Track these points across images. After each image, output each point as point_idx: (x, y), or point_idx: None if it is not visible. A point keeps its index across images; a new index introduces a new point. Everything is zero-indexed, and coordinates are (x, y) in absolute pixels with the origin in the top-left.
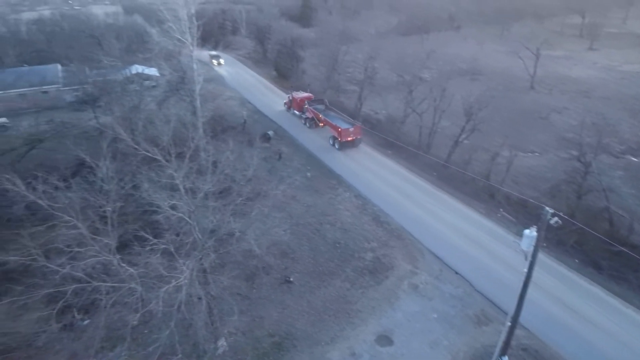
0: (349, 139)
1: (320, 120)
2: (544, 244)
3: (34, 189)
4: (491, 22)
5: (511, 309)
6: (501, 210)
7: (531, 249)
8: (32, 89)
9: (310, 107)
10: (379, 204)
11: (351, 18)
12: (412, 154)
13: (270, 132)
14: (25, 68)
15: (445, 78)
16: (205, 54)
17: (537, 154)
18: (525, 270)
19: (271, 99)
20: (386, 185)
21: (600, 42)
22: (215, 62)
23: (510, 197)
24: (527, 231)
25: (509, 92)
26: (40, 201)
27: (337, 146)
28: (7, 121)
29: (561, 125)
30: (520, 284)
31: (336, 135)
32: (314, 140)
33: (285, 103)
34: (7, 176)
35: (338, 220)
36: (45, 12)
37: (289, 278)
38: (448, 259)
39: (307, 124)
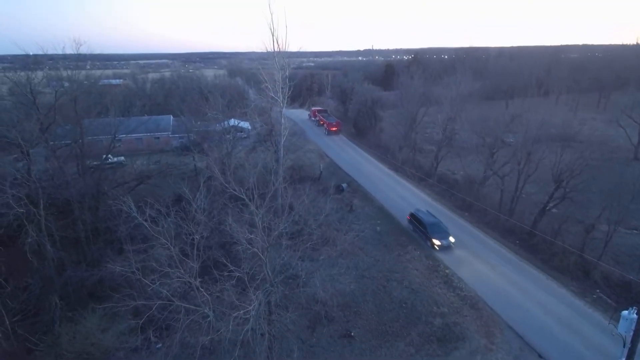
0: (333, 129)
1: (320, 121)
2: None
3: (143, 212)
4: (587, 90)
5: None
6: (598, 290)
7: (630, 333)
8: (147, 134)
9: (319, 114)
10: (453, 267)
11: (433, 82)
12: (492, 219)
13: (344, 185)
14: (145, 117)
15: (532, 142)
16: (297, 113)
17: None
18: (623, 359)
19: (348, 153)
20: (461, 249)
21: None
22: (437, 243)
23: (610, 277)
24: (625, 312)
25: (607, 162)
26: (145, 223)
27: (326, 133)
28: (124, 160)
29: None
30: None
31: (325, 126)
32: (394, 201)
33: (309, 114)
34: (124, 199)
35: (406, 279)
36: (166, 73)
37: (350, 332)
38: (530, 338)
39: (317, 125)
